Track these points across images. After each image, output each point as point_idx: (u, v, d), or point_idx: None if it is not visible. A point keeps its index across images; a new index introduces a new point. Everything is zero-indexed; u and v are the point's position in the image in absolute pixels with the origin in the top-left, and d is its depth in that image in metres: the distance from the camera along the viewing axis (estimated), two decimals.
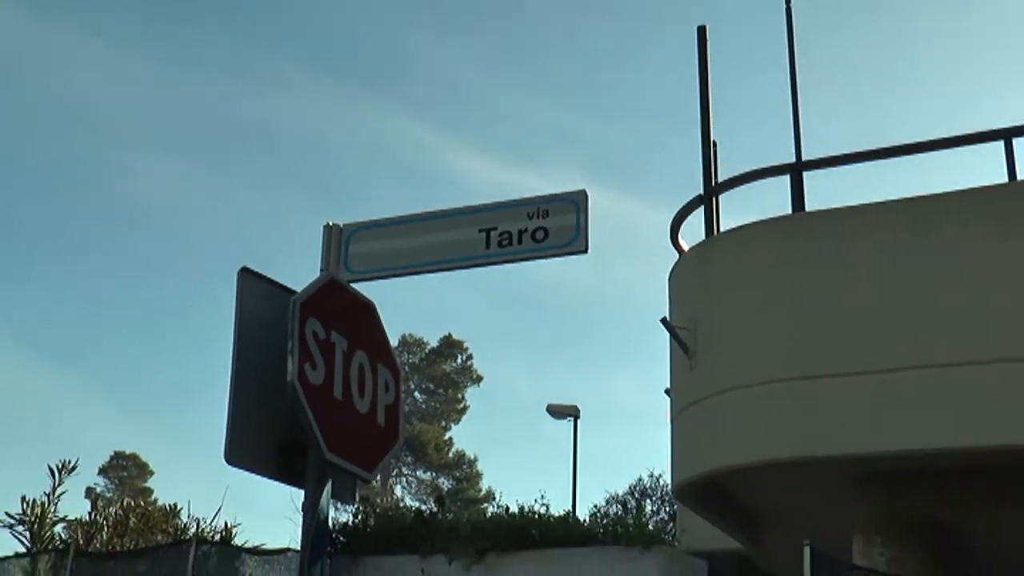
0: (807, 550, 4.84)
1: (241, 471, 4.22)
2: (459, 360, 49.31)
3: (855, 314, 7.80)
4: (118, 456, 44.91)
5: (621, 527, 3.80)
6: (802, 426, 7.68)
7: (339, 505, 4.53)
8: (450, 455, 47.50)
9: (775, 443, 7.77)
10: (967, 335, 7.44)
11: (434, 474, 46.43)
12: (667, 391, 9.15)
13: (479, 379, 49.73)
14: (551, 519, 3.95)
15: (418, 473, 46.67)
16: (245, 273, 4.37)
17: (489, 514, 3.84)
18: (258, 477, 4.27)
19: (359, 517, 4.43)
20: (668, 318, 8.67)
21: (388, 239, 4.75)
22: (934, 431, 7.37)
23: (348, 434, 4.33)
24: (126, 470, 43.56)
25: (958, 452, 7.40)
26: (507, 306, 66.99)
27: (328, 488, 4.34)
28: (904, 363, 7.52)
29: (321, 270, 4.67)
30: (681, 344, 8.54)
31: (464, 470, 46.68)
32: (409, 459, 46.83)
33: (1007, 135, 8.07)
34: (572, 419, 24.70)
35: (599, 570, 3.84)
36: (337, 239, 4.77)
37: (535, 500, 4.04)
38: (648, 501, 26.63)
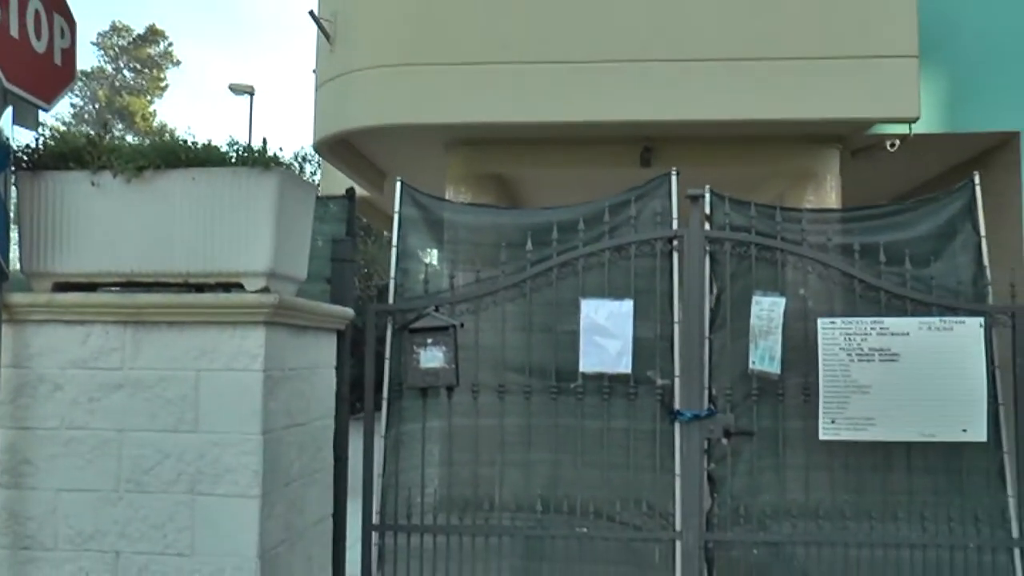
0: (398, 184, 4.94)
1: None
2: (161, 46, 45.92)
3: (451, 18, 7.82)
4: None
5: (248, 153, 3.72)
6: (407, 100, 7.77)
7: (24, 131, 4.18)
8: (154, 124, 45.03)
9: (388, 111, 7.83)
10: (518, 43, 7.69)
11: (141, 139, 43.89)
12: (314, 70, 8.92)
13: (178, 63, 46.80)
14: (195, 145, 3.83)
15: (127, 138, 43.96)
16: None
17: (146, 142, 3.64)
18: None
19: (40, 140, 4.12)
20: (315, 12, 8.36)
21: None
22: (498, 110, 7.66)
23: (26, 69, 3.96)
24: None
25: (514, 125, 7.78)
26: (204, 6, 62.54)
27: (9, 112, 4.01)
28: (480, 59, 7.69)
29: None
30: (324, 33, 8.30)
31: (165, 137, 44.38)
32: (120, 127, 44.01)
33: None
34: (249, 95, 23.84)
35: (230, 180, 3.75)
36: None
37: (184, 132, 3.88)
38: (308, 165, 26.40)
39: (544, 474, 4.77)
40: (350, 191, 4.91)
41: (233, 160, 3.82)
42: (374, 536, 4.83)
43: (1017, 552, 4.64)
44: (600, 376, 4.70)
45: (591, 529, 4.71)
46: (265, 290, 3.73)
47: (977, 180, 4.88)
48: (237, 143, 3.85)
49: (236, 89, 23.85)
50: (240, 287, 3.78)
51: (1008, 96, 9.11)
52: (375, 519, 4.82)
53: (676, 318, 4.70)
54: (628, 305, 4.66)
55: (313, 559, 4.30)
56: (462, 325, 4.75)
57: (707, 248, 4.72)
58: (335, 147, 8.56)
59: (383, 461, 4.81)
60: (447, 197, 8.33)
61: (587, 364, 4.68)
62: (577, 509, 4.73)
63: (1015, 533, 4.64)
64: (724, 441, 4.68)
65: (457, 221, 4.95)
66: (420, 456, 4.80)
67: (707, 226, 4.75)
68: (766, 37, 7.75)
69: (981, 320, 4.62)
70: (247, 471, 3.67)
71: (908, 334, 4.60)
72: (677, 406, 4.68)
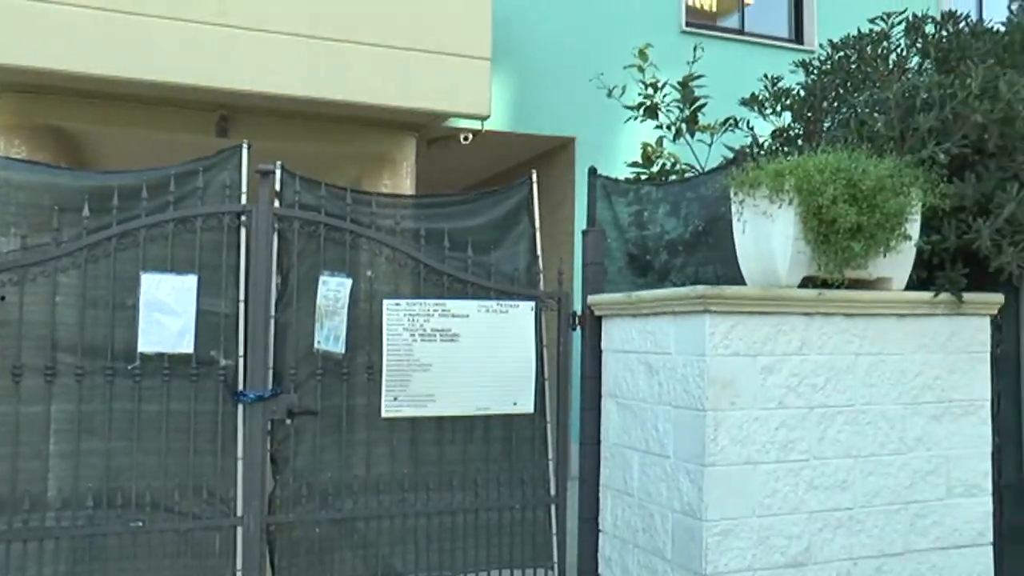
0: None
1: None
2: None
3: None
4: None
5: None
6: None
7: None
8: None
9: None
10: None
11: None
12: None
13: None
14: None
15: None
16: None
17: None
18: None
19: None
20: None
21: None
22: (47, 56, 7.07)
23: None
24: None
25: (69, 75, 7.21)
26: None
27: None
28: None
29: None
30: None
31: None
32: None
33: None
34: None
35: None
36: None
37: None
38: None
39: (97, 465, 4.45)
40: None
41: None
42: None
43: (553, 508, 5.16)
44: (160, 356, 4.50)
45: (148, 522, 4.49)
46: None
47: (535, 178, 5.33)
48: None
49: None
50: None
51: (570, 105, 10.14)
52: None
53: (242, 296, 4.62)
54: (192, 280, 4.50)
55: None
56: (3, 298, 4.31)
57: (276, 226, 4.70)
58: None
59: None
60: (0, 148, 7.57)
61: (146, 343, 4.45)
62: (133, 501, 4.48)
63: (553, 492, 5.15)
64: (288, 421, 4.68)
65: (6, 178, 4.44)
66: None
67: (277, 203, 4.72)
68: (349, 20, 7.87)
69: (533, 304, 5.07)
70: None
71: (468, 316, 4.91)
72: (241, 387, 4.61)
